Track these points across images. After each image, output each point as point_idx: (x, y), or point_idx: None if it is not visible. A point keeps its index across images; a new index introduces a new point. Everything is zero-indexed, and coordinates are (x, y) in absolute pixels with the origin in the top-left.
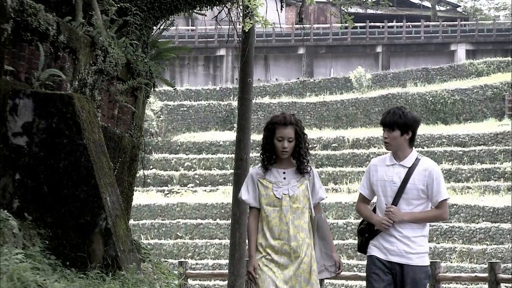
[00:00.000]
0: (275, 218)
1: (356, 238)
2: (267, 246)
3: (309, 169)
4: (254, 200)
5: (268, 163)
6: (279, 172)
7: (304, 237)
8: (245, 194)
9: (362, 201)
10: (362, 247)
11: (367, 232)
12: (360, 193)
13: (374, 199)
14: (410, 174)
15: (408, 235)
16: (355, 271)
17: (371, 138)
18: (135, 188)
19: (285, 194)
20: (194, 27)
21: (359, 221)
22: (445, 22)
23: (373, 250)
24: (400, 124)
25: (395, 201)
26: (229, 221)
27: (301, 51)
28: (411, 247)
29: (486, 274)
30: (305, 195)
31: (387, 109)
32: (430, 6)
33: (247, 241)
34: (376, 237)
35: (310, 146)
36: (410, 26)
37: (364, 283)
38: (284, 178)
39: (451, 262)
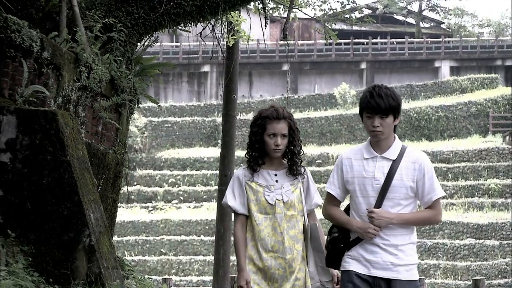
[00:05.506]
0: (267, 227)
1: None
2: (257, 260)
3: (302, 170)
4: (242, 206)
5: (256, 163)
6: (270, 174)
7: (300, 249)
8: (231, 200)
9: (331, 203)
10: (334, 261)
11: (342, 241)
12: (328, 193)
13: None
14: (396, 168)
15: (395, 243)
16: None
17: None
18: (119, 204)
19: (278, 200)
20: (178, 44)
21: None
22: (429, 39)
23: (350, 264)
24: (394, 107)
25: (379, 203)
26: (213, 238)
27: (286, 67)
28: (399, 257)
29: None
30: (299, 201)
31: (368, 89)
32: (414, 23)
33: (234, 253)
34: (354, 247)
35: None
36: (394, 42)
37: None
38: (277, 181)
39: (436, 279)
